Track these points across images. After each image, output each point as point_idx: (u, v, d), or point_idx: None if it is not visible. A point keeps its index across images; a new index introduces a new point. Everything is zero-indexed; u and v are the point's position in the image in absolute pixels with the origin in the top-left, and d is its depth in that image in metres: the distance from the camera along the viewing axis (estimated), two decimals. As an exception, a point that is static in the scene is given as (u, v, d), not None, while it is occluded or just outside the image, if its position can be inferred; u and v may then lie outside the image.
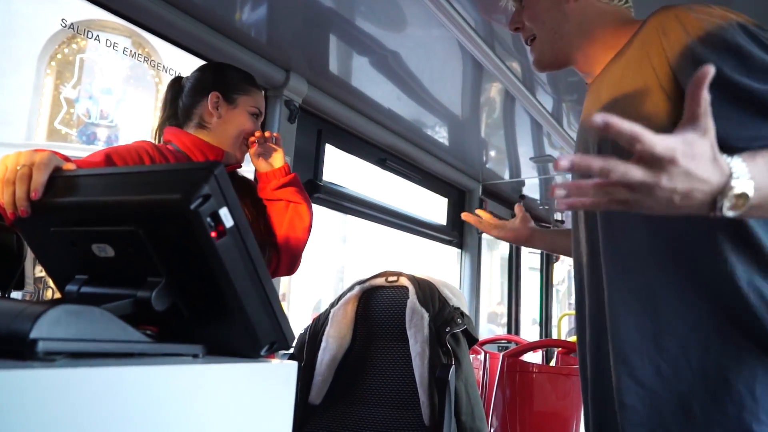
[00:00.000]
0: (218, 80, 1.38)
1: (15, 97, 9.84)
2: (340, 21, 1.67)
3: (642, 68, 0.81)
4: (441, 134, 2.65)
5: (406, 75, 2.01)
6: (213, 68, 1.44)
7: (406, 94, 2.18)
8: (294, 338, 0.67)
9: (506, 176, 3.28)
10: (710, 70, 0.56)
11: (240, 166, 1.45)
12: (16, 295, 0.91)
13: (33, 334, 0.45)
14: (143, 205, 0.56)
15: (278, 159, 1.40)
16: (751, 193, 0.59)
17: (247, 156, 1.42)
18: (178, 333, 0.62)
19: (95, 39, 10.40)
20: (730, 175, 0.59)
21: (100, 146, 10.63)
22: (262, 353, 0.63)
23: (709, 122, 0.58)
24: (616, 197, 0.58)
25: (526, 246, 1.41)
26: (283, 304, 10.27)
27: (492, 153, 2.95)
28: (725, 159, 0.60)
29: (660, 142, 0.55)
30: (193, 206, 0.53)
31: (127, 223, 0.57)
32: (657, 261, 0.80)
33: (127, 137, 10.30)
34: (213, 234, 0.56)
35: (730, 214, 0.60)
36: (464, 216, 1.38)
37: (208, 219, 0.55)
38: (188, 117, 1.37)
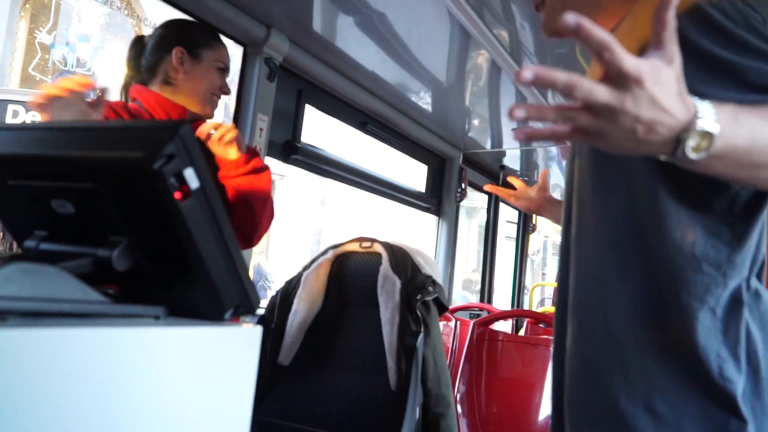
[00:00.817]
0: (181, 36, 1.37)
1: (-13, 39, 9.46)
2: (325, -23, 1.62)
3: (627, 42, 0.80)
4: (424, 100, 2.62)
5: (392, 37, 1.97)
6: (176, 24, 1.42)
7: (391, 57, 2.14)
8: (259, 302, 0.67)
9: (488, 146, 3.28)
10: None
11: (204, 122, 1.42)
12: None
13: (-17, 292, 0.43)
14: (105, 163, 0.54)
15: (232, 153, 1.30)
16: (716, 132, 0.57)
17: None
18: (141, 294, 0.61)
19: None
20: (696, 114, 0.57)
21: (76, 95, 10.32)
22: (227, 317, 0.62)
23: (675, 50, 0.56)
24: (579, 123, 0.56)
25: (537, 215, 1.43)
26: (263, 258, 10.28)
27: (475, 122, 2.93)
28: (691, 98, 0.57)
29: (628, 58, 0.53)
30: (156, 166, 0.51)
31: (87, 179, 0.55)
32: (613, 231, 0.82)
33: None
34: (177, 195, 0.54)
35: (693, 156, 0.57)
36: (487, 187, 1.39)
37: (172, 179, 0.53)
38: (152, 74, 1.37)
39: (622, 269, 0.80)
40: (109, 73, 10.00)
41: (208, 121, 1.39)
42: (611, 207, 0.82)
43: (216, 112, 1.44)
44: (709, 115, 0.57)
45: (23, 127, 0.67)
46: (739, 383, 0.71)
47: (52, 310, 0.48)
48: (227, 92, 1.42)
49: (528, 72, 0.51)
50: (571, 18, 0.51)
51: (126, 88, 1.40)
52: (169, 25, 1.41)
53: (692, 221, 0.75)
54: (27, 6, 10.12)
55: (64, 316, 0.49)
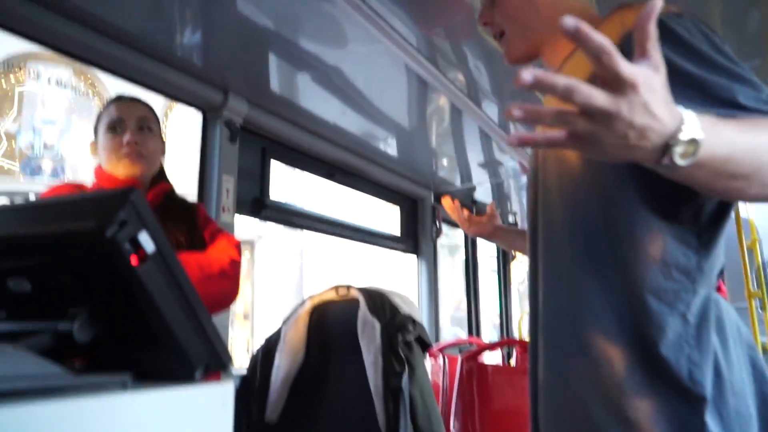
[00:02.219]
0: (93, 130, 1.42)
1: (-49, 133, 9.42)
2: (278, 39, 1.67)
3: (578, 71, 0.84)
4: (390, 146, 2.66)
5: (350, 89, 2.01)
6: None
7: (352, 109, 2.18)
8: (230, 358, 0.67)
9: (458, 183, 3.32)
10: (658, 3, 0.56)
11: (167, 185, 1.43)
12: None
13: (-63, 379, 0.43)
14: (58, 237, 0.55)
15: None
16: (701, 138, 0.58)
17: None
18: (109, 363, 0.60)
19: (26, 73, 10.05)
20: (681, 121, 0.58)
21: (45, 178, 10.29)
22: (197, 376, 0.62)
23: (659, 59, 0.57)
24: (575, 128, 0.57)
25: (489, 241, 1.52)
26: (246, 323, 10.06)
27: (443, 161, 2.97)
28: (676, 107, 0.59)
29: (625, 63, 0.54)
30: (109, 234, 0.52)
31: (41, 255, 0.55)
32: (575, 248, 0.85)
33: (74, 167, 9.99)
34: (134, 260, 0.55)
35: (681, 162, 0.59)
36: (445, 200, 1.50)
37: (127, 245, 0.54)
38: None
39: (597, 277, 0.81)
40: (77, 154, 9.98)
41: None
42: (580, 217, 0.84)
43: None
44: (694, 123, 0.59)
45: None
46: (708, 386, 0.73)
47: (11, 389, 0.47)
48: (128, 142, 1.32)
49: (528, 75, 0.52)
50: (571, 21, 0.52)
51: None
52: None
53: (662, 229, 0.78)
54: (-11, 97, 10.15)
55: (25, 395, 0.48)
